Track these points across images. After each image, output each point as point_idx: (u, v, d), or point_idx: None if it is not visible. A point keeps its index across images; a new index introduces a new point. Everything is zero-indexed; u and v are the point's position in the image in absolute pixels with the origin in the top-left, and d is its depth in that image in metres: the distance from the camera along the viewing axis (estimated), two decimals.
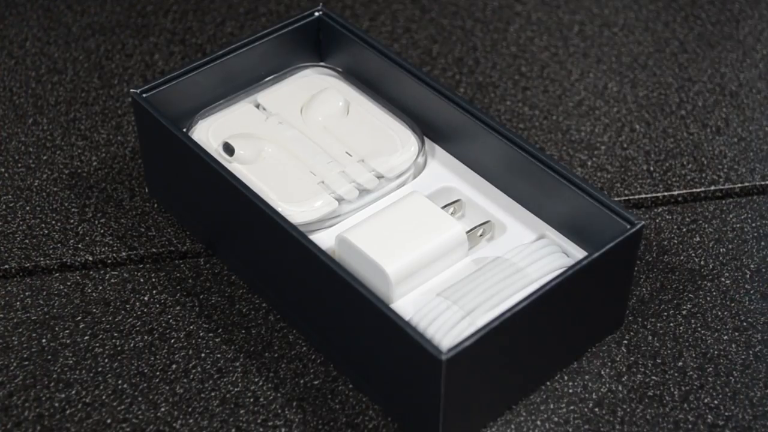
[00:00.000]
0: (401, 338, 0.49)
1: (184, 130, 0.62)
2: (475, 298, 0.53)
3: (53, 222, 0.64)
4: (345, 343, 0.54)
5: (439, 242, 0.56)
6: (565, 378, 0.55)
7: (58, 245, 0.62)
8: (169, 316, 0.58)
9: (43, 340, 0.57)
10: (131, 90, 0.61)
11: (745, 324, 0.58)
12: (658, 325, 0.58)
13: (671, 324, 0.58)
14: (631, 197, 0.65)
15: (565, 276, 0.51)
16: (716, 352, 0.57)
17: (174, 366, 0.56)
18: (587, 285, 0.53)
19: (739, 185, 0.66)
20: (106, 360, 0.56)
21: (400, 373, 0.51)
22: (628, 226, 0.53)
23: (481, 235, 0.58)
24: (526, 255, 0.55)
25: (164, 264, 0.61)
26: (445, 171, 0.62)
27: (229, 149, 0.60)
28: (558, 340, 0.54)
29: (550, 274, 0.54)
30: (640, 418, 0.54)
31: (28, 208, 0.64)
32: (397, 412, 0.53)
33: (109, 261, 0.61)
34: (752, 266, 0.61)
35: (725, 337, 0.57)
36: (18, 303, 0.59)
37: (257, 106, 0.64)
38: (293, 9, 0.79)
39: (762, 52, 0.76)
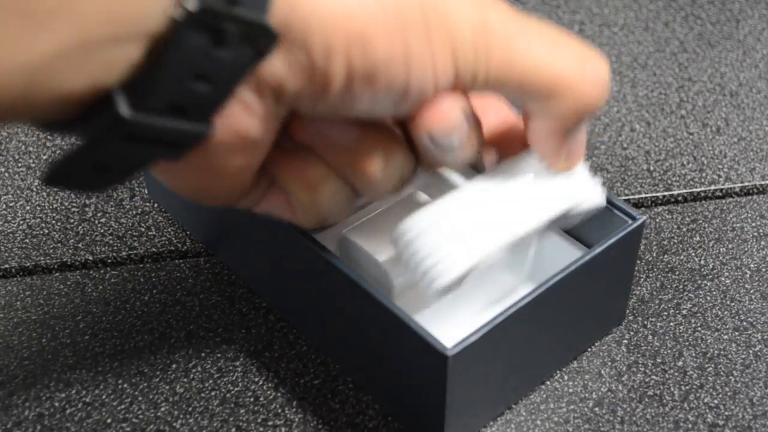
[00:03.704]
0: (405, 334, 0.49)
1: None
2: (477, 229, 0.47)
3: (53, 221, 0.63)
4: (347, 341, 0.54)
5: None
6: (565, 377, 0.55)
7: (59, 245, 0.62)
8: (169, 316, 0.58)
9: (44, 340, 0.57)
10: None
11: (745, 324, 0.58)
12: (658, 324, 0.58)
13: (671, 323, 0.58)
14: (631, 197, 0.65)
15: (566, 272, 0.50)
16: (716, 352, 0.57)
17: (174, 365, 0.56)
18: (588, 282, 0.53)
19: (739, 185, 0.66)
20: (107, 359, 0.56)
21: (403, 370, 0.51)
22: (630, 221, 0.53)
23: None
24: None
25: (164, 264, 0.61)
26: (445, 169, 0.61)
27: None
28: (559, 338, 0.54)
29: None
30: (640, 418, 0.54)
31: (28, 207, 0.64)
32: (400, 410, 0.53)
33: (109, 261, 0.61)
34: (752, 266, 0.61)
35: (725, 337, 0.57)
36: (18, 302, 0.59)
37: None
38: None
39: (762, 52, 0.76)
